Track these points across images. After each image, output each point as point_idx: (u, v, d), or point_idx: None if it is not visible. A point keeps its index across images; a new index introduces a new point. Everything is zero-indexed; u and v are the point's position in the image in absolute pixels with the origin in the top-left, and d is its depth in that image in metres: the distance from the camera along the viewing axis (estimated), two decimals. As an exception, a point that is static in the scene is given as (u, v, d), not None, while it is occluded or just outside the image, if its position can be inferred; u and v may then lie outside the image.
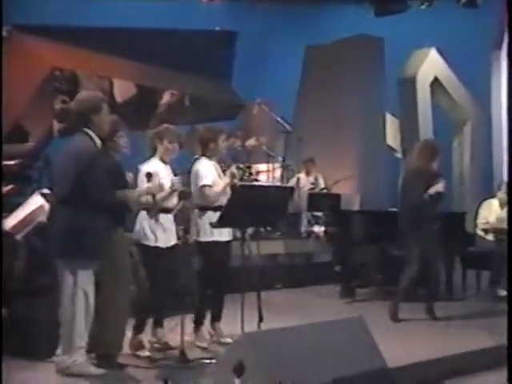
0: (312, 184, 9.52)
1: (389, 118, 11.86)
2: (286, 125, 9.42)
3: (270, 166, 8.85)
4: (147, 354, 4.41)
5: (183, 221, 4.68)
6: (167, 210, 4.52)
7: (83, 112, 4.02)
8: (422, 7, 12.39)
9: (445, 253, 7.06)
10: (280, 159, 8.81)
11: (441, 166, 6.19)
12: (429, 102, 11.78)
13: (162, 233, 4.49)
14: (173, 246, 4.60)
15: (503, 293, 7.00)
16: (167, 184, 4.46)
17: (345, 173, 10.04)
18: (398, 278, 6.05)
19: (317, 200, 8.78)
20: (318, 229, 8.35)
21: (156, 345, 4.56)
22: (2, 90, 7.35)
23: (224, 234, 4.78)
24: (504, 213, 7.53)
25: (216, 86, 10.95)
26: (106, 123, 4.08)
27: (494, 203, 7.64)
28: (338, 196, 8.89)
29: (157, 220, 4.41)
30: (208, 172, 4.70)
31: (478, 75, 11.26)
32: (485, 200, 7.81)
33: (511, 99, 9.05)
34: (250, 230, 8.04)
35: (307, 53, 11.99)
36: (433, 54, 11.91)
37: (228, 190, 4.63)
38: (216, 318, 4.89)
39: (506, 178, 10.89)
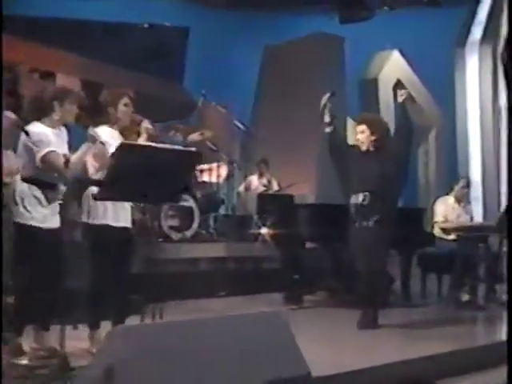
0: (264, 186, 8.75)
1: (350, 119, 11.20)
2: (241, 126, 8.68)
3: (214, 164, 8.03)
4: (25, 362, 3.55)
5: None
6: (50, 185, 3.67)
7: None
8: (385, 8, 11.90)
9: (400, 254, 6.34)
10: (224, 157, 7.99)
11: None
12: (391, 105, 11.15)
13: (42, 209, 3.64)
14: (58, 228, 3.74)
15: (466, 297, 6.29)
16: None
17: (302, 175, 9.31)
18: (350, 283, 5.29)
19: (267, 202, 7.99)
20: (265, 231, 7.54)
21: (40, 352, 3.70)
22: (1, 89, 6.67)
23: (121, 218, 3.94)
24: (461, 208, 6.86)
25: (166, 85, 10.19)
26: None
27: (450, 199, 6.93)
28: (290, 197, 8.13)
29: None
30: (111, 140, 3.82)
31: (441, 76, 10.67)
32: (439, 197, 7.11)
33: (511, 99, 8.70)
34: (189, 232, 7.55)
35: (266, 53, 11.35)
36: (395, 56, 11.42)
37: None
38: (117, 323, 4.00)
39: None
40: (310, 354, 3.07)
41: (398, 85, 11.31)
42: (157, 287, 6.20)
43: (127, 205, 4.02)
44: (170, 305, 5.72)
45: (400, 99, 5.20)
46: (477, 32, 10.25)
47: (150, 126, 3.99)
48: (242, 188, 8.91)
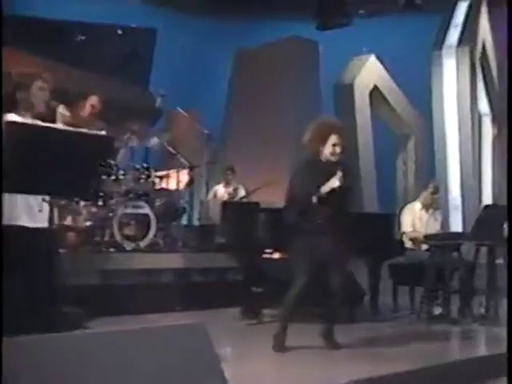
0: (229, 194, 8.28)
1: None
2: (205, 131, 8.23)
3: (173, 171, 7.51)
4: None
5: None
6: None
7: None
8: (361, 12, 11.59)
9: (368, 264, 5.87)
10: (185, 162, 7.48)
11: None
12: (368, 112, 10.83)
13: None
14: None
15: (438, 310, 5.82)
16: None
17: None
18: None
19: (231, 210, 7.49)
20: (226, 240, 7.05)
21: None
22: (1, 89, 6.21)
23: (37, 218, 3.44)
24: (429, 215, 6.41)
25: (130, 89, 9.72)
26: None
27: (416, 206, 6.47)
28: (256, 204, 7.62)
29: None
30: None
31: (419, 81, 10.28)
32: (405, 205, 6.67)
33: (511, 99, 8.24)
34: (145, 241, 7.04)
35: (237, 57, 10.94)
36: (372, 61, 11.02)
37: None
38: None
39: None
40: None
41: (375, 91, 10.97)
42: (103, 300, 5.89)
43: (45, 204, 3.51)
44: (117, 320, 5.36)
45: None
46: (453, 35, 9.88)
47: (66, 113, 3.48)
48: (209, 197, 8.44)
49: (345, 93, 10.65)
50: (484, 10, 10.19)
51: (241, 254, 5.96)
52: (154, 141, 7.30)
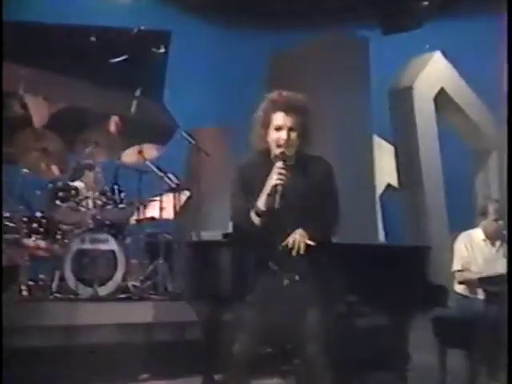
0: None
1: (378, 141, 9.12)
2: (192, 140, 6.42)
3: (166, 197, 6.02)
4: None
5: None
6: None
7: None
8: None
9: (390, 317, 4.11)
10: (173, 183, 5.92)
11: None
12: (433, 121, 9.10)
13: None
14: None
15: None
16: None
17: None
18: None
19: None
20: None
21: None
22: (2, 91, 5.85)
23: None
24: (495, 250, 4.61)
25: (142, 104, 8.35)
26: None
27: (476, 236, 4.82)
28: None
29: None
30: None
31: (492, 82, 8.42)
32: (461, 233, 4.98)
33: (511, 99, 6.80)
34: (108, 287, 5.56)
35: (271, 59, 9.46)
36: (437, 59, 9.28)
37: None
38: None
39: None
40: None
41: (442, 94, 9.17)
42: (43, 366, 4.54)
43: None
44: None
45: None
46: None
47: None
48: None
49: (402, 98, 9.02)
50: None
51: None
52: (132, 157, 5.86)
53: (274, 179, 2.90)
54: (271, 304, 2.94)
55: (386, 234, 9.03)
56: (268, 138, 3.03)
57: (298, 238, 2.88)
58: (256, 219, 2.94)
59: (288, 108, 3.00)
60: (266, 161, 3.04)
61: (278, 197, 2.87)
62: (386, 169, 9.29)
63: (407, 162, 8.99)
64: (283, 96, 3.06)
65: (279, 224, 2.92)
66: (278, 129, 2.99)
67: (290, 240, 2.89)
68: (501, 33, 8.45)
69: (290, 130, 2.99)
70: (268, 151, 3.06)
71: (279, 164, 2.92)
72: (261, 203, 2.92)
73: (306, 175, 3.02)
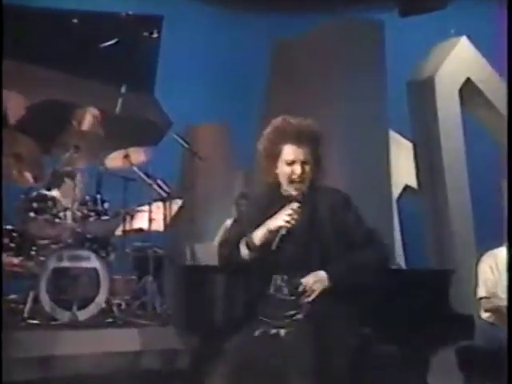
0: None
1: (394, 137, 8.99)
2: (184, 144, 6.37)
3: (156, 206, 5.93)
4: None
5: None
6: None
7: None
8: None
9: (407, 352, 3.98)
10: (164, 192, 5.83)
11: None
12: (457, 115, 8.96)
13: None
14: None
15: None
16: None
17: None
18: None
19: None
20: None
21: None
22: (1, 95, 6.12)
23: None
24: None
25: (130, 99, 8.22)
26: None
27: (502, 255, 4.64)
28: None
29: None
30: None
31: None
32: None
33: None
34: (89, 310, 5.45)
35: (275, 47, 9.35)
36: (462, 46, 9.13)
37: None
38: None
39: None
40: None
41: (468, 85, 9.03)
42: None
43: None
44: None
45: None
46: None
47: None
48: (216, 239, 6.76)
49: (423, 89, 8.87)
50: None
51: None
52: (116, 162, 5.75)
53: (281, 219, 2.80)
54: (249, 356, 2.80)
55: (404, 245, 8.90)
56: (277, 170, 2.93)
57: (316, 283, 2.79)
58: (245, 251, 2.84)
59: (299, 139, 2.88)
60: (275, 194, 2.96)
61: (277, 238, 2.77)
62: (403, 168, 9.16)
63: (428, 161, 8.87)
64: (292, 124, 2.93)
65: (273, 265, 2.84)
66: (290, 163, 2.90)
67: (306, 281, 2.80)
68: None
69: (304, 163, 2.89)
70: (278, 184, 2.96)
71: (294, 206, 2.83)
72: (257, 236, 2.81)
73: (318, 212, 2.91)
